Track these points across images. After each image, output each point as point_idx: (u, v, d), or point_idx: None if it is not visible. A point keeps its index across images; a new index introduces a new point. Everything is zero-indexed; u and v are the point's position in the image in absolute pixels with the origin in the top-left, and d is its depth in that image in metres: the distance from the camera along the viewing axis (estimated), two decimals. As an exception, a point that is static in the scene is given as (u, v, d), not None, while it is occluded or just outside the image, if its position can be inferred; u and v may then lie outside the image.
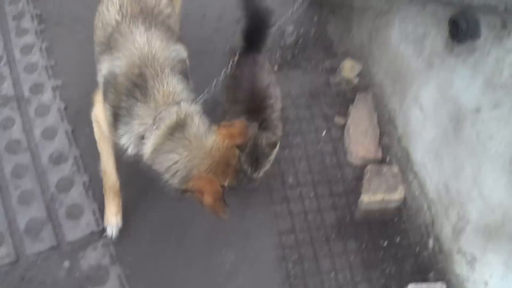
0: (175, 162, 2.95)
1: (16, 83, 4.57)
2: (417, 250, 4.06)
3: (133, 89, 3.00)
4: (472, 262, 3.64)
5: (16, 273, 3.72)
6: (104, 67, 3.19)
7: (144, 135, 2.98)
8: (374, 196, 4.06)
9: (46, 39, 4.86)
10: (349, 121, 4.48)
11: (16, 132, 4.29)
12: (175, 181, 2.99)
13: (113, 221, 3.84)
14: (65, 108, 4.38)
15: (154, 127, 2.94)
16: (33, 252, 3.77)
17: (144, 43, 3.11)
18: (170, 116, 2.94)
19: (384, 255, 4.02)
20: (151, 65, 3.04)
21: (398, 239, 4.09)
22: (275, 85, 3.96)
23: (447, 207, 3.86)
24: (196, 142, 2.95)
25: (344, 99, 4.71)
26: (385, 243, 4.06)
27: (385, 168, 4.20)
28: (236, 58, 3.83)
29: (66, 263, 3.77)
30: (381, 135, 4.47)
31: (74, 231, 3.85)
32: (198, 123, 3.00)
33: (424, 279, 3.88)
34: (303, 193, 4.22)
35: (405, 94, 4.25)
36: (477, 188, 3.52)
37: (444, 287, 3.73)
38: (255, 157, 3.64)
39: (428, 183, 4.09)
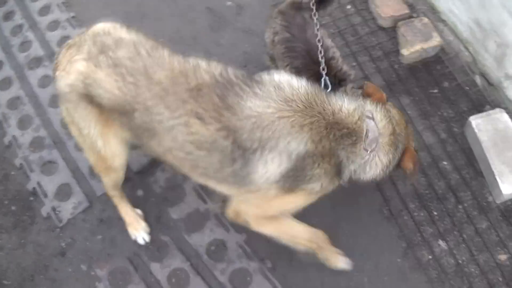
0: (394, 155, 2.69)
1: (43, 43, 4.50)
2: (467, 89, 3.97)
3: (338, 145, 2.51)
4: (522, 82, 3.58)
5: (93, 217, 3.68)
6: (273, 167, 2.49)
7: (368, 162, 2.63)
8: (413, 47, 3.97)
9: (60, -5, 4.76)
10: (369, -12, 4.37)
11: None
12: (390, 169, 2.73)
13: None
14: (97, 49, 4.26)
15: (375, 150, 2.59)
16: (104, 191, 3.66)
17: (270, 107, 2.45)
18: (379, 132, 2.59)
19: (438, 101, 3.94)
20: (319, 112, 2.48)
21: (446, 84, 4.00)
22: (326, 36, 3.62)
23: (483, 40, 3.76)
24: (396, 123, 2.69)
25: (356, -30, 4.57)
26: (436, 90, 3.97)
27: (415, 21, 4.10)
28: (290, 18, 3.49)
29: (140, 192, 3.73)
30: (403, -4, 4.34)
31: (138, 161, 3.77)
32: (387, 112, 2.67)
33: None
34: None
35: None
36: (506, 9, 3.42)
37: (503, 113, 3.67)
38: None
39: (459, 25, 3.98)
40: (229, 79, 2.52)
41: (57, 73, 2.73)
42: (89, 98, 2.65)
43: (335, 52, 3.41)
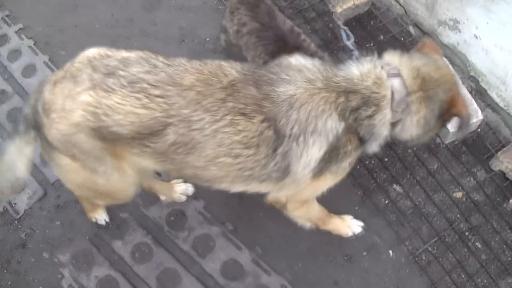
0: (433, 110, 2.46)
1: (-21, 46, 4.32)
2: (402, 40, 4.00)
3: (356, 120, 2.38)
4: (455, 25, 3.57)
5: (49, 204, 3.58)
6: (315, 152, 2.39)
7: (399, 124, 2.46)
8: (345, 4, 3.96)
9: (-10, -3, 4.56)
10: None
11: (-3, 84, 4.05)
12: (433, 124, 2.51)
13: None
14: (35, 43, 4.15)
15: (406, 110, 2.40)
16: (57, 178, 3.49)
17: (299, 87, 2.36)
18: (406, 91, 2.37)
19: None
20: (335, 88, 2.37)
21: (381, 37, 4.03)
22: (294, 26, 3.52)
23: (414, -10, 3.80)
24: (433, 71, 2.45)
25: None
26: (372, 44, 4.00)
27: (347, -19, 4.08)
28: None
29: (94, 176, 3.65)
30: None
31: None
32: (417, 60, 2.46)
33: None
34: (284, 31, 4.09)
35: None
36: (434, -45, 3.44)
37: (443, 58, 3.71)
38: None
39: (388, -18, 4.02)
40: (254, 71, 2.43)
41: (54, 115, 2.31)
42: (101, 134, 2.34)
43: (305, 37, 3.37)
